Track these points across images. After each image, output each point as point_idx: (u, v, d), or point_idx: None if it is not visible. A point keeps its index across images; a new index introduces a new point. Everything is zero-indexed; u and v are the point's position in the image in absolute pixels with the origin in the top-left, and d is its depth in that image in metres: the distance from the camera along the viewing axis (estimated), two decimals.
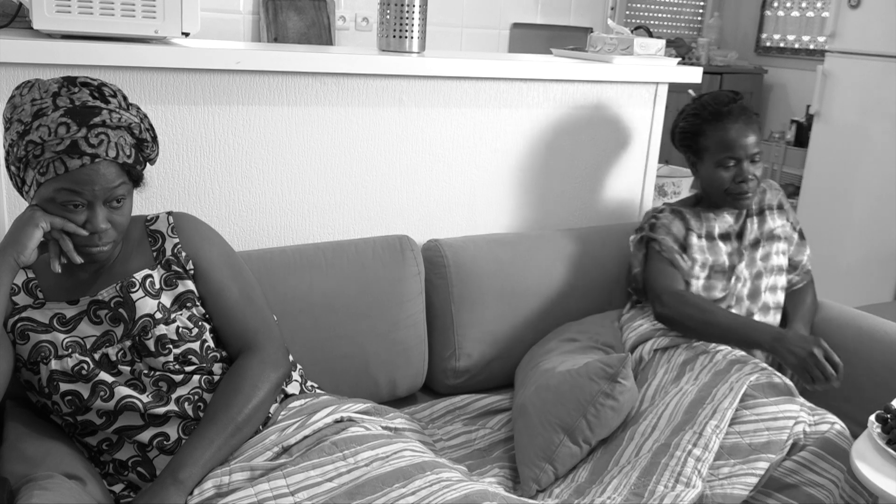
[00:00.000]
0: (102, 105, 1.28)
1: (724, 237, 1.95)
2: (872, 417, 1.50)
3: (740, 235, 1.95)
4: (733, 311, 1.89)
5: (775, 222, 1.98)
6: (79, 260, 1.29)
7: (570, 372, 1.65)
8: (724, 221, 1.96)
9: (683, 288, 1.86)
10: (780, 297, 1.97)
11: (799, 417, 1.54)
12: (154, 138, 1.37)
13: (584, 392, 1.59)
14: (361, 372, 1.81)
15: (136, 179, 1.35)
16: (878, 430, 1.48)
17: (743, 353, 1.70)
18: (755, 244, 1.95)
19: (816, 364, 1.61)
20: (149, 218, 1.47)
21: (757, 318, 1.92)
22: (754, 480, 1.47)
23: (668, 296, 1.82)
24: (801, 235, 2.06)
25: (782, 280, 1.98)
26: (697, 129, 1.93)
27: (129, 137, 1.30)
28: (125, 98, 1.35)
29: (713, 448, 1.47)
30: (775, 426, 1.52)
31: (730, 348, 1.72)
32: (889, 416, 1.50)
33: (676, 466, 1.44)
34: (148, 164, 1.38)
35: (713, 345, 1.74)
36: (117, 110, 1.30)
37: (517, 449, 1.65)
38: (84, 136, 1.24)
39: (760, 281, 1.92)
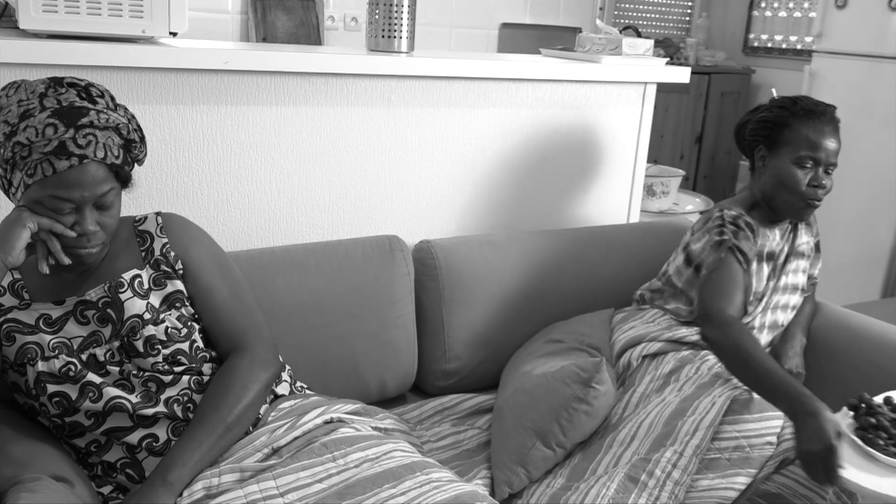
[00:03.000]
0: (90, 106, 1.28)
1: (768, 257, 1.84)
2: (845, 406, 1.51)
3: (778, 256, 1.86)
4: None
5: (802, 238, 1.91)
6: (67, 261, 1.29)
7: (545, 375, 1.64)
8: (774, 239, 1.85)
9: (739, 315, 1.71)
10: (789, 316, 1.91)
11: (784, 435, 1.50)
12: (142, 139, 1.36)
13: (558, 396, 1.58)
14: (351, 372, 1.80)
15: (124, 180, 1.35)
16: (850, 419, 1.50)
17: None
18: (785, 260, 1.87)
19: (826, 462, 1.38)
20: (137, 219, 1.47)
21: (763, 334, 1.85)
22: (733, 495, 1.46)
23: (723, 318, 1.65)
24: (818, 248, 1.99)
25: (796, 299, 1.91)
26: (784, 121, 1.80)
27: (116, 138, 1.29)
28: (113, 98, 1.34)
29: (692, 470, 1.46)
30: (757, 443, 1.49)
31: (715, 359, 1.67)
32: (861, 405, 1.50)
33: (654, 489, 1.43)
34: (136, 164, 1.37)
35: (701, 354, 1.71)
36: (105, 111, 1.29)
37: (492, 451, 1.65)
38: (72, 136, 1.23)
39: (775, 296, 1.85)
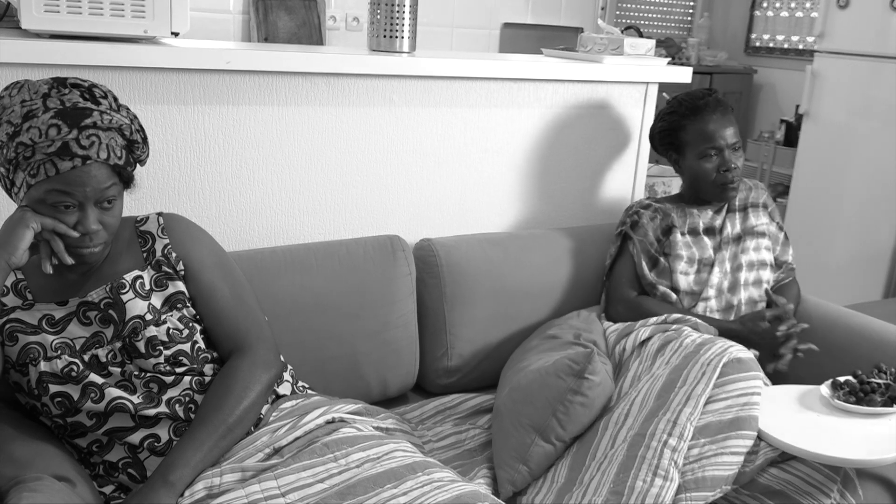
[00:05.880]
0: (93, 107, 1.28)
1: (708, 232, 1.98)
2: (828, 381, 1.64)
3: (721, 230, 1.98)
4: (713, 302, 1.91)
5: (759, 220, 2.02)
6: (70, 261, 1.29)
7: (539, 370, 1.65)
8: (706, 216, 1.99)
9: (636, 295, 1.95)
10: (762, 291, 1.99)
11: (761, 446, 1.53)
12: (144, 139, 1.36)
13: (552, 390, 1.59)
14: (352, 372, 1.80)
15: (126, 181, 1.35)
16: (827, 390, 1.63)
17: (710, 335, 1.70)
18: (738, 239, 1.98)
19: (770, 333, 1.79)
20: (139, 219, 1.47)
21: (742, 311, 1.94)
22: (730, 459, 1.46)
23: (623, 304, 1.93)
24: (786, 236, 2.09)
25: (766, 274, 1.99)
26: (676, 125, 1.98)
27: (119, 139, 1.30)
28: (116, 99, 1.35)
29: (687, 437, 1.47)
30: (744, 402, 1.52)
31: (698, 333, 1.71)
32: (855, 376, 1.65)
33: (653, 459, 1.44)
34: (138, 164, 1.37)
35: (685, 332, 1.73)
36: (108, 112, 1.29)
37: (494, 451, 1.65)
38: (75, 137, 1.23)
39: (740, 274, 1.95)
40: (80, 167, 1.24)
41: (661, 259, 1.94)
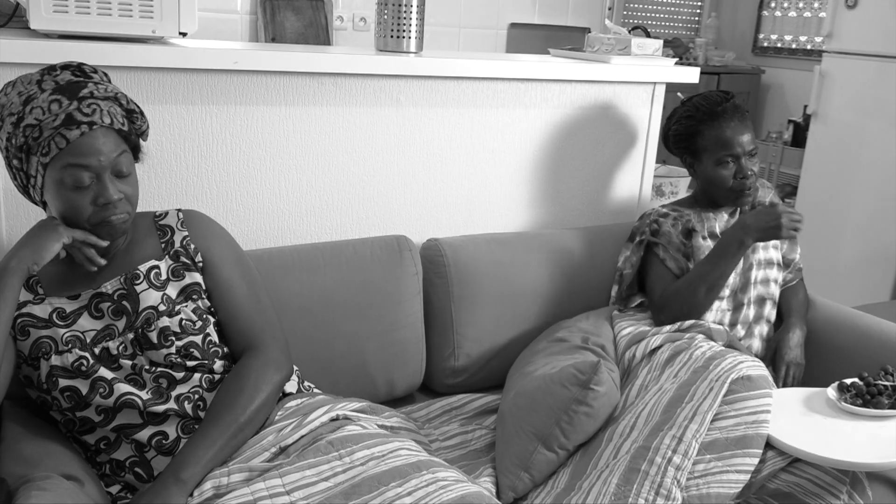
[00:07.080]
0: (86, 80, 1.33)
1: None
2: (835, 384, 1.64)
3: None
4: (724, 302, 1.91)
5: None
6: (102, 262, 1.34)
7: (544, 377, 1.64)
8: (723, 220, 1.99)
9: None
10: (774, 289, 1.98)
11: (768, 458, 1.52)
12: (141, 111, 1.40)
13: (557, 399, 1.58)
14: (359, 372, 1.81)
15: (134, 148, 1.38)
16: (834, 392, 1.62)
17: (721, 347, 1.69)
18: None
19: (791, 218, 1.80)
20: (158, 213, 1.49)
21: (751, 310, 1.94)
22: (733, 477, 1.45)
23: (659, 307, 1.90)
24: None
25: (774, 273, 1.99)
26: (693, 130, 1.95)
27: (118, 108, 1.34)
28: (106, 75, 1.39)
29: (692, 454, 1.45)
30: (752, 420, 1.50)
31: (709, 344, 1.70)
32: (861, 378, 1.64)
33: (657, 476, 1.42)
34: (141, 139, 1.41)
35: (696, 341, 1.72)
36: (102, 83, 1.34)
37: (496, 456, 1.64)
38: (77, 107, 1.27)
39: (750, 273, 1.94)
40: (87, 133, 1.28)
41: (688, 262, 1.94)
